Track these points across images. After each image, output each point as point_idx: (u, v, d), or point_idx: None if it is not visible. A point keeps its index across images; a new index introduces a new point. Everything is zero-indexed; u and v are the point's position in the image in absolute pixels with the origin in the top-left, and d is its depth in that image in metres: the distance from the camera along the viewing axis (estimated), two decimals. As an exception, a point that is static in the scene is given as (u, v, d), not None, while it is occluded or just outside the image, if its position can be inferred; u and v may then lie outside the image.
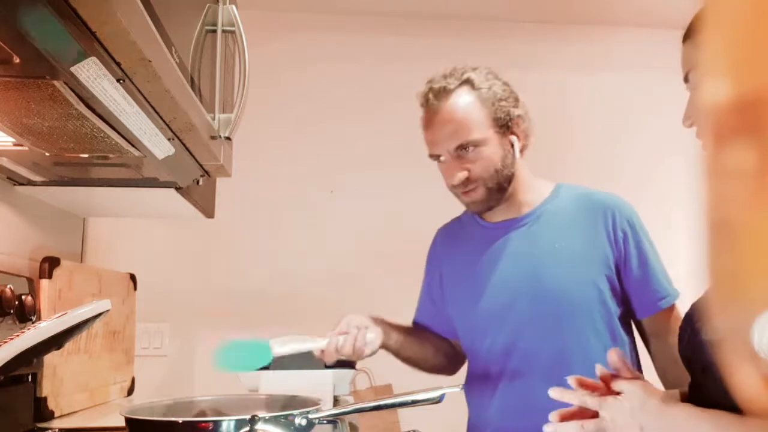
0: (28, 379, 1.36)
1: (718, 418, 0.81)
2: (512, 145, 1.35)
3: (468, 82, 1.34)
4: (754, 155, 0.28)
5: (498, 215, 1.41)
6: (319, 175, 2.38)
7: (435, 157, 1.38)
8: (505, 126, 1.33)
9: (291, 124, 2.39)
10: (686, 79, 0.94)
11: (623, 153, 2.45)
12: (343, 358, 1.31)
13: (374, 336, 1.31)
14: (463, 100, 1.32)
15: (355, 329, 1.30)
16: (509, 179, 1.36)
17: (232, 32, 1.23)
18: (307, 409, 1.01)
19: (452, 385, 1.06)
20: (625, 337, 1.37)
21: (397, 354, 1.45)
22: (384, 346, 1.37)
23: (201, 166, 1.33)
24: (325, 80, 2.42)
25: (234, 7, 1.23)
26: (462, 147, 1.31)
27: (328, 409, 1.06)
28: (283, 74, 2.37)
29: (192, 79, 1.06)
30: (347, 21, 2.46)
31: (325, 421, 1.05)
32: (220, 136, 1.24)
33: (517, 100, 1.37)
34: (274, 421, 0.97)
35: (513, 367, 1.34)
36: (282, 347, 1.26)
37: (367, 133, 2.42)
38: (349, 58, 2.45)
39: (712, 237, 0.30)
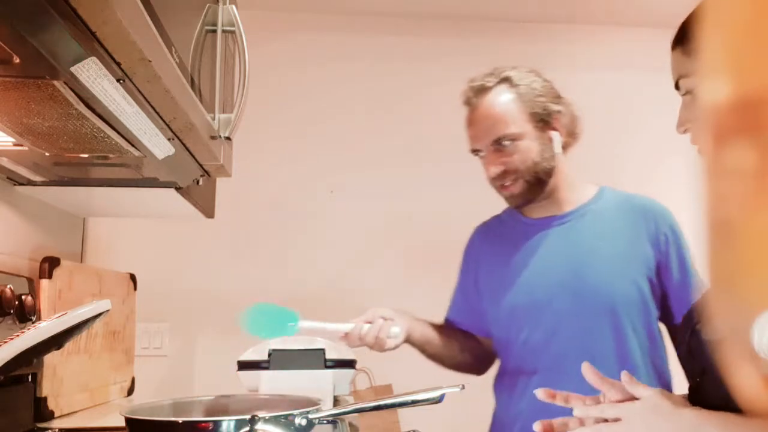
0: (28, 379, 1.36)
1: (726, 420, 0.81)
2: (551, 140, 1.37)
3: (506, 80, 1.38)
4: (754, 155, 0.28)
5: (539, 211, 1.43)
6: (319, 175, 2.38)
7: (475, 152, 1.42)
8: (543, 121, 1.36)
9: (291, 124, 2.39)
10: (677, 86, 0.94)
11: (623, 153, 2.45)
12: (364, 346, 1.34)
13: (399, 330, 1.34)
14: (500, 97, 1.37)
15: (380, 320, 1.33)
16: (549, 173, 1.38)
17: (232, 32, 1.23)
18: (307, 409, 1.01)
19: (452, 385, 1.06)
20: (661, 339, 1.38)
21: (422, 350, 1.47)
22: (408, 340, 1.40)
23: (201, 166, 1.33)
24: (325, 80, 2.42)
25: (234, 7, 1.23)
26: (499, 141, 1.35)
27: (328, 409, 1.06)
28: (283, 74, 2.37)
29: (192, 79, 1.06)
30: (347, 21, 2.46)
31: (325, 421, 1.05)
32: (220, 136, 1.24)
33: (558, 97, 1.40)
34: (274, 421, 0.97)
35: (548, 362, 1.36)
36: (308, 322, 1.31)
37: (367, 133, 2.42)
38: (349, 58, 2.45)
39: (712, 237, 0.30)
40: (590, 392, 1.28)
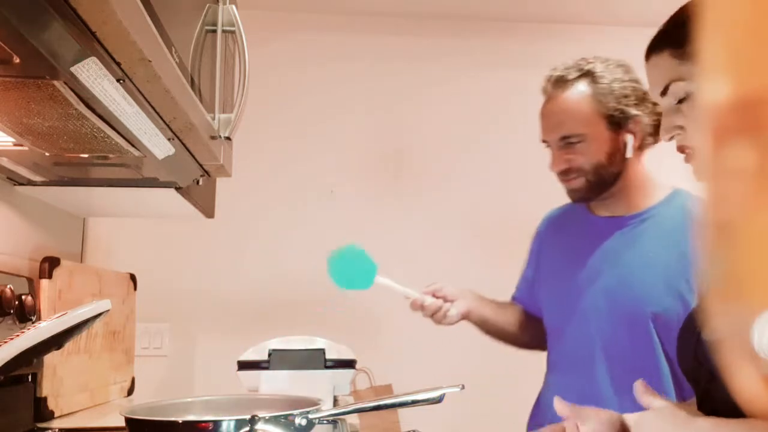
0: (28, 379, 1.36)
1: (740, 427, 0.79)
2: (624, 144, 1.34)
3: (589, 74, 1.35)
4: (754, 155, 0.28)
5: (605, 210, 1.42)
6: (319, 175, 2.38)
7: (545, 142, 1.41)
8: (617, 123, 1.33)
9: (291, 124, 2.39)
10: (664, 92, 0.92)
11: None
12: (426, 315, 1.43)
13: (456, 313, 1.42)
14: (575, 93, 1.34)
15: (441, 301, 1.40)
16: (615, 176, 1.35)
17: (232, 32, 1.23)
18: (307, 409, 1.01)
19: (452, 385, 1.06)
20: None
21: (479, 328, 1.53)
22: (467, 319, 1.47)
23: (201, 166, 1.33)
24: (325, 80, 2.42)
25: (234, 7, 1.23)
26: (566, 138, 1.34)
27: (328, 409, 1.05)
28: (283, 74, 2.37)
29: (192, 79, 1.06)
30: (347, 21, 2.46)
31: (325, 421, 1.05)
32: (220, 136, 1.24)
33: (642, 99, 1.34)
34: (274, 421, 0.97)
35: (578, 363, 1.38)
36: (383, 279, 1.41)
37: (367, 133, 2.42)
38: (349, 58, 2.45)
39: (712, 237, 0.30)
40: (609, 395, 1.28)
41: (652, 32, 1.00)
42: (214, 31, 1.20)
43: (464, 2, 2.41)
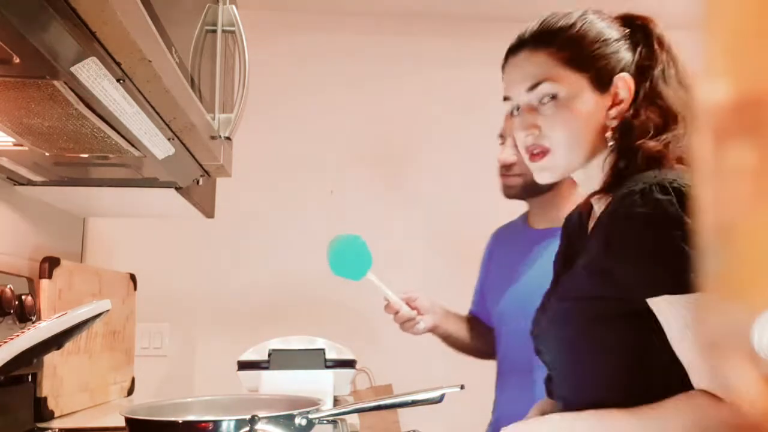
0: (28, 379, 1.36)
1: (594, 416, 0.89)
2: None
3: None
4: (754, 155, 0.28)
5: (539, 222, 1.55)
6: (319, 175, 2.38)
7: (500, 137, 1.54)
8: None
9: (291, 124, 2.39)
10: (533, 88, 0.96)
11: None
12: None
13: (423, 327, 1.50)
14: None
15: (415, 312, 1.47)
16: (548, 187, 1.45)
17: (232, 32, 1.23)
18: (307, 409, 1.01)
19: (452, 385, 1.06)
20: None
21: (443, 341, 1.61)
22: (431, 332, 1.55)
23: (201, 166, 1.33)
24: (325, 80, 2.42)
25: (234, 7, 1.23)
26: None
27: (328, 409, 1.05)
28: (283, 74, 2.37)
29: (192, 79, 1.06)
30: (347, 21, 2.46)
31: (325, 421, 1.05)
32: (220, 136, 1.24)
33: None
34: (274, 421, 0.97)
35: (524, 365, 1.45)
36: (373, 276, 1.44)
37: (367, 133, 2.42)
38: (349, 58, 2.45)
39: (711, 237, 0.30)
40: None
41: None
42: (214, 31, 1.20)
43: (464, 2, 2.40)
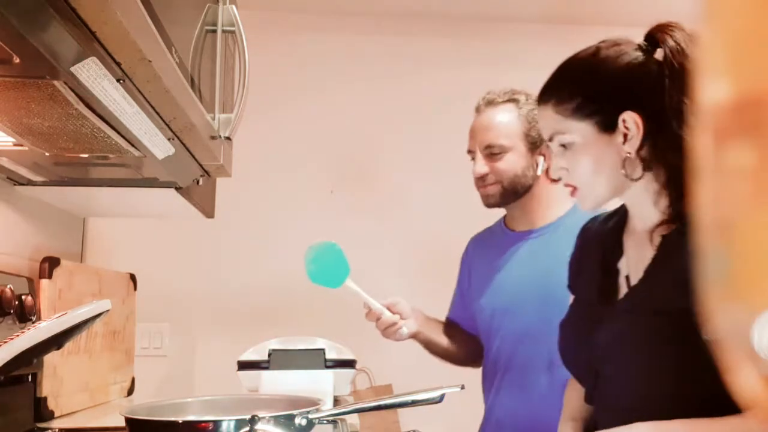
0: (28, 379, 1.36)
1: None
2: (537, 164, 1.53)
3: (514, 101, 1.55)
4: (754, 155, 0.28)
5: (519, 225, 1.59)
6: (319, 175, 2.38)
7: (470, 152, 1.57)
8: (534, 144, 1.52)
9: (291, 124, 2.39)
10: (551, 139, 1.05)
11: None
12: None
13: (406, 332, 1.50)
14: (503, 111, 1.54)
15: (397, 317, 1.48)
16: (526, 188, 1.53)
17: (232, 32, 1.23)
18: (307, 409, 1.01)
19: (452, 385, 1.06)
20: None
21: (424, 347, 1.62)
22: (413, 338, 1.55)
23: (201, 166, 1.33)
24: (325, 80, 2.42)
25: (234, 7, 1.23)
26: (490, 147, 1.51)
27: (328, 409, 1.06)
28: (283, 74, 2.37)
29: (192, 79, 1.06)
30: (347, 21, 2.46)
31: (325, 421, 1.05)
32: (220, 136, 1.24)
33: None
34: (274, 421, 0.97)
35: (517, 361, 1.49)
36: (352, 283, 1.46)
37: (367, 133, 2.42)
38: (349, 58, 2.45)
39: (711, 237, 0.30)
40: (558, 392, 1.36)
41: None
42: (214, 31, 1.20)
43: (464, 2, 2.40)
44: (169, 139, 1.09)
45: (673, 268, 0.95)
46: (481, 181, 1.54)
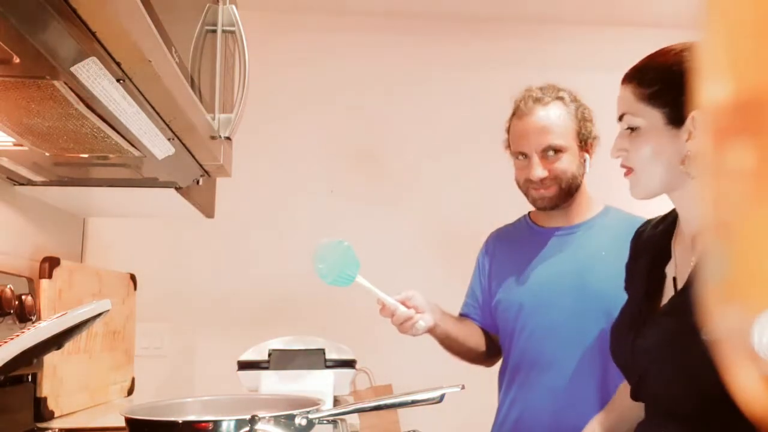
0: (28, 379, 1.36)
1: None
2: (585, 161, 1.54)
3: (560, 98, 1.53)
4: (754, 155, 0.28)
5: (551, 221, 1.58)
6: (319, 175, 2.38)
7: (519, 154, 1.53)
8: (584, 142, 1.53)
9: (291, 124, 2.39)
10: (620, 119, 1.09)
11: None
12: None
13: (423, 325, 1.46)
14: (557, 110, 1.52)
15: (412, 311, 1.44)
16: (578, 188, 1.53)
17: (232, 32, 1.23)
18: (307, 409, 1.01)
19: (452, 385, 1.06)
20: None
21: (439, 342, 1.58)
22: (429, 332, 1.52)
23: (201, 166, 1.33)
24: (325, 80, 2.42)
25: (234, 7, 1.23)
26: (548, 149, 1.49)
27: (328, 409, 1.05)
28: (283, 74, 2.37)
29: (192, 79, 1.06)
30: (347, 21, 2.46)
31: (325, 421, 1.05)
32: (220, 136, 1.24)
33: (594, 125, 1.57)
34: (274, 421, 0.97)
35: (547, 357, 1.49)
36: (363, 280, 1.43)
37: (366, 133, 2.42)
38: (349, 58, 2.44)
39: (711, 237, 0.30)
40: (584, 386, 1.43)
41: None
42: (214, 31, 1.20)
43: (464, 3, 2.40)
44: (169, 139, 1.09)
45: None
46: (537, 183, 1.50)
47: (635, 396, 1.11)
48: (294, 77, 2.40)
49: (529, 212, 1.65)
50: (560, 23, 2.49)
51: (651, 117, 1.04)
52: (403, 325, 1.44)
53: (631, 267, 1.24)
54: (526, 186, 1.53)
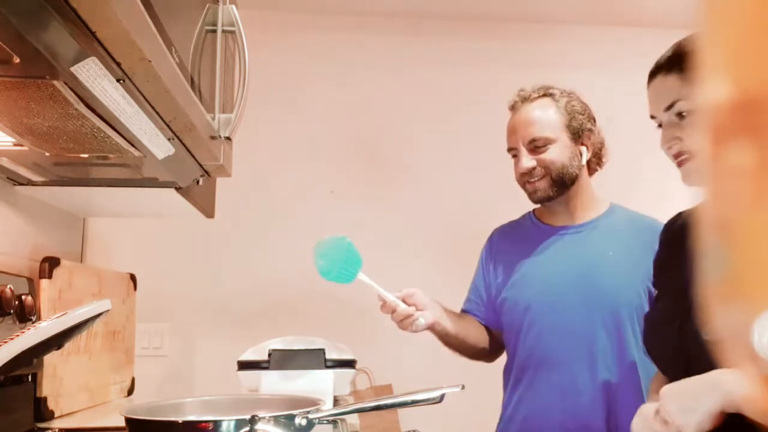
0: (28, 379, 1.36)
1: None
2: (580, 154, 1.55)
3: (549, 95, 1.56)
4: (754, 155, 0.28)
5: (557, 220, 1.59)
6: (319, 175, 2.38)
7: (511, 150, 1.57)
8: (577, 134, 1.54)
9: (291, 124, 2.39)
10: (669, 108, 1.08)
11: (623, 153, 2.44)
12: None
13: (423, 322, 1.46)
14: (543, 105, 1.55)
15: (413, 308, 1.45)
16: (572, 179, 1.53)
17: (232, 32, 1.23)
18: (307, 409, 1.01)
19: (452, 385, 1.06)
20: None
21: (441, 339, 1.58)
22: (430, 329, 1.52)
23: (201, 166, 1.33)
24: (325, 80, 2.42)
25: (234, 7, 1.23)
26: (534, 141, 1.51)
27: (328, 409, 1.05)
28: (283, 74, 2.37)
29: (192, 79, 1.06)
30: (347, 21, 2.46)
31: (325, 421, 1.05)
32: (220, 136, 1.24)
33: (593, 120, 1.59)
34: (274, 421, 0.97)
35: (553, 355, 1.49)
36: (365, 277, 1.44)
37: (366, 133, 2.42)
38: (349, 58, 2.45)
39: (711, 237, 0.30)
40: (592, 385, 1.43)
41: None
42: (214, 31, 1.20)
43: (464, 3, 2.40)
44: (169, 139, 1.09)
45: None
46: (528, 176, 1.52)
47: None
48: (294, 77, 2.40)
49: (534, 209, 1.65)
50: (560, 23, 2.49)
51: None
52: (403, 322, 1.45)
53: (662, 260, 1.23)
54: (522, 181, 1.55)
